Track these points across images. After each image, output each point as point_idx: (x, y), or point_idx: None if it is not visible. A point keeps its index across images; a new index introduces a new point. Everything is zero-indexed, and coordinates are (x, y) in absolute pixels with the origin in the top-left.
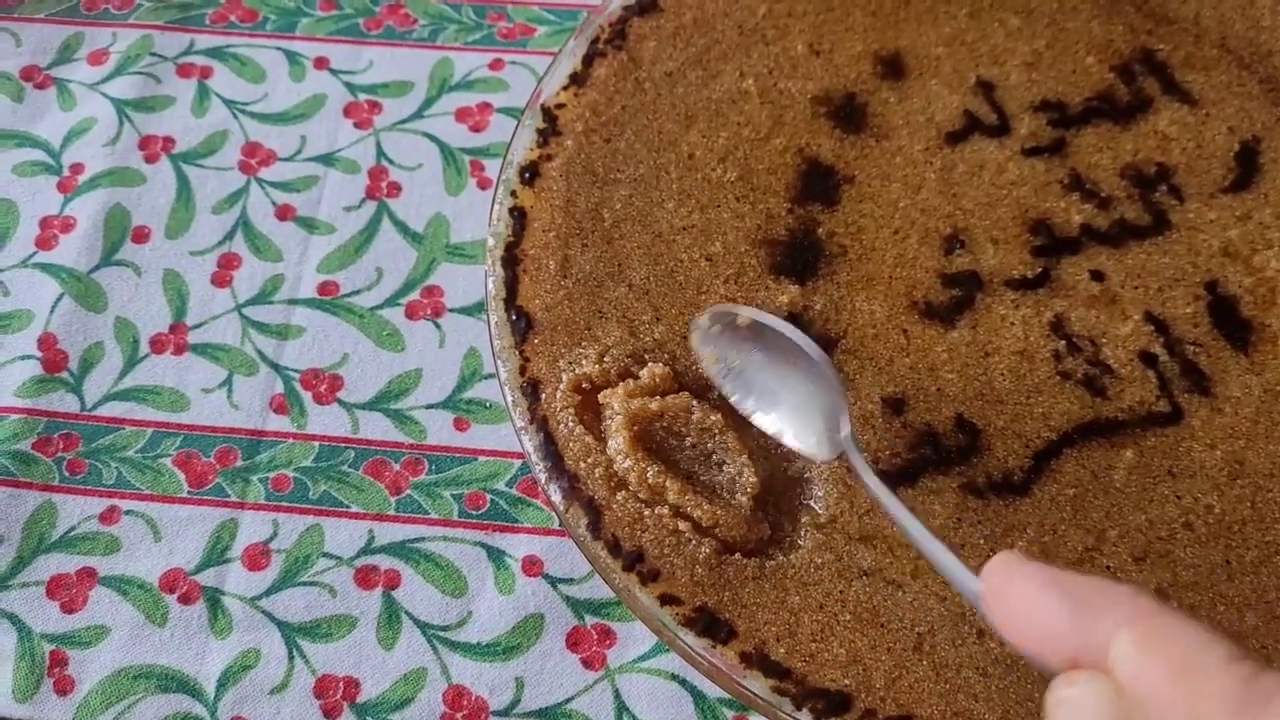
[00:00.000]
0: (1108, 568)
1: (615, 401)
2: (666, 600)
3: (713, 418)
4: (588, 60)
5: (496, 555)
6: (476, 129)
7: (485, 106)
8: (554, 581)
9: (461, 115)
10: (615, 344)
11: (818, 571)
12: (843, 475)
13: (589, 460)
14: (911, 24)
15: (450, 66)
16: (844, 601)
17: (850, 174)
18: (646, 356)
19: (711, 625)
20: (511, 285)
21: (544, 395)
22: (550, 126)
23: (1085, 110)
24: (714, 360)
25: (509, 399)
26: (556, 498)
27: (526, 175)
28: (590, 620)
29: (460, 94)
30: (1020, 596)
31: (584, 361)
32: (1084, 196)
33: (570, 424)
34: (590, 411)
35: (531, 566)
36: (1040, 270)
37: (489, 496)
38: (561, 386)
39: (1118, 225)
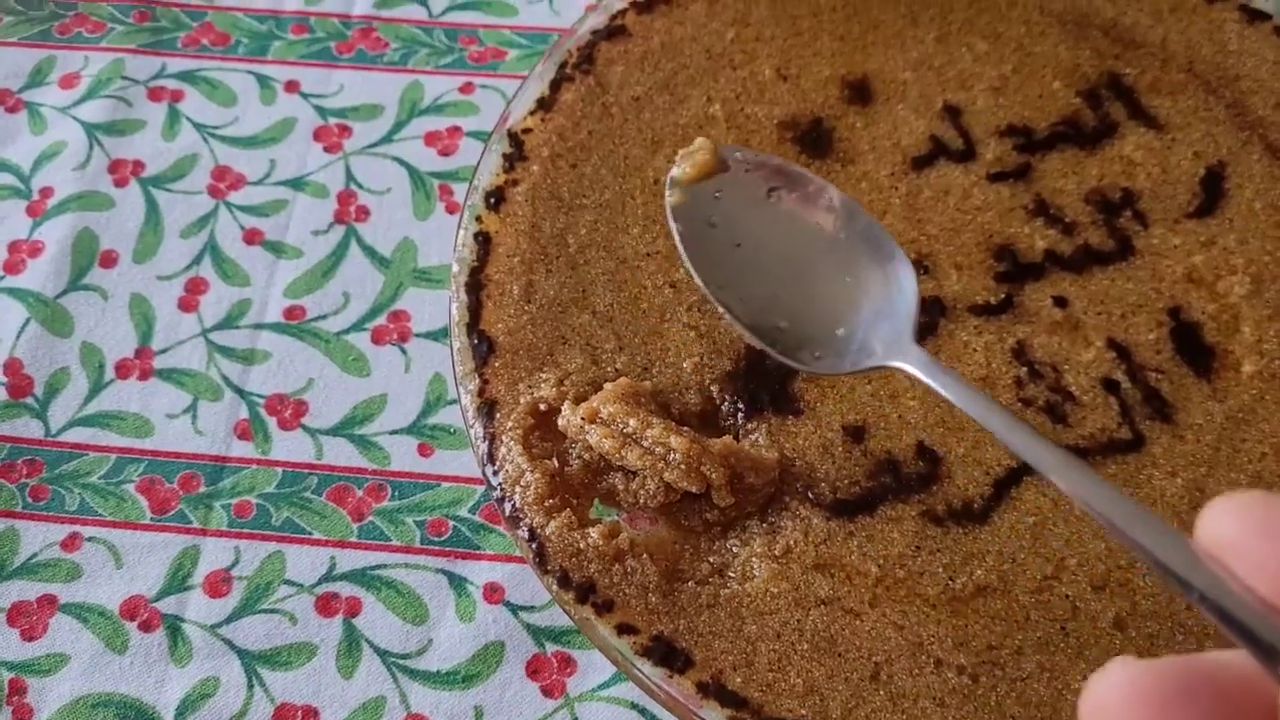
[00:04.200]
0: (1067, 596)
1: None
2: (624, 630)
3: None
4: (555, 85)
5: (458, 582)
6: (446, 153)
7: (455, 130)
8: (515, 609)
9: (431, 139)
10: (576, 370)
11: (774, 600)
12: (797, 507)
13: (522, 483)
14: (879, 48)
15: (420, 90)
16: (801, 631)
17: None
18: (607, 385)
19: (669, 654)
20: (475, 310)
21: (498, 417)
22: (517, 151)
23: (1051, 135)
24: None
25: (469, 424)
26: (507, 525)
27: (492, 200)
28: (551, 648)
29: (430, 118)
30: None
31: (543, 386)
32: (1048, 222)
33: (511, 446)
34: (539, 435)
35: (493, 594)
36: (1003, 296)
37: (451, 523)
38: (518, 409)
39: (1081, 251)
